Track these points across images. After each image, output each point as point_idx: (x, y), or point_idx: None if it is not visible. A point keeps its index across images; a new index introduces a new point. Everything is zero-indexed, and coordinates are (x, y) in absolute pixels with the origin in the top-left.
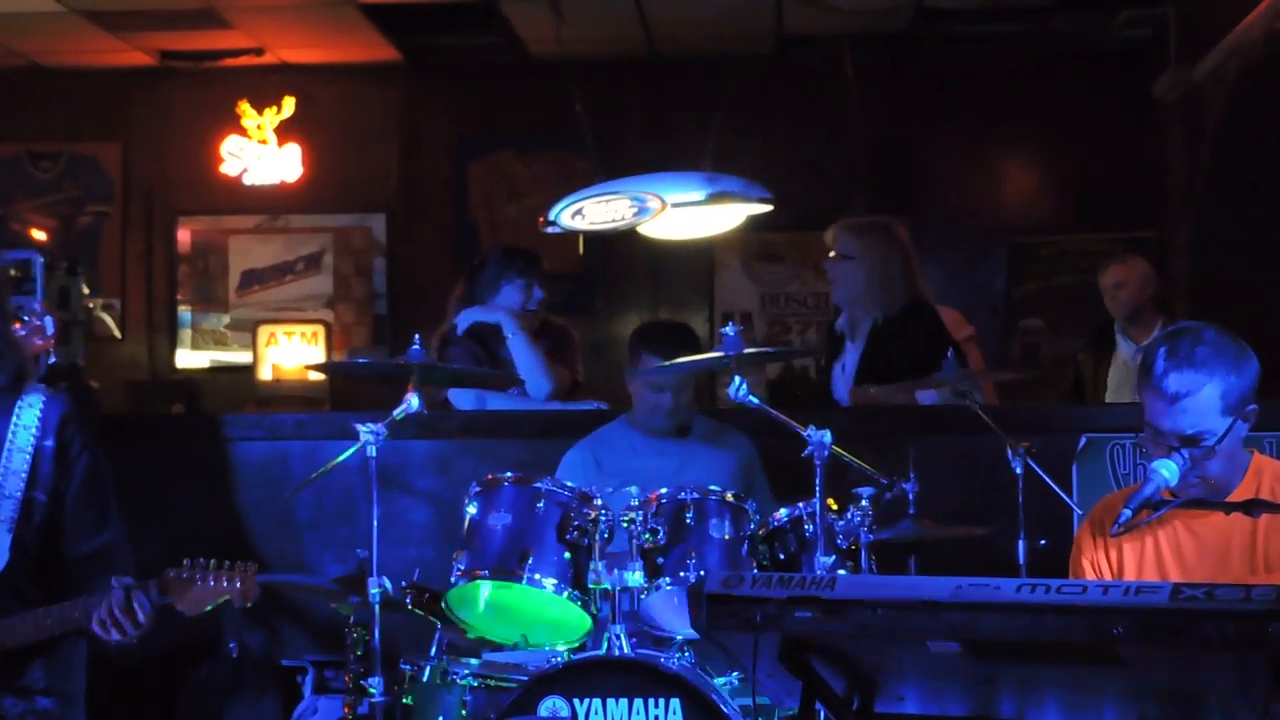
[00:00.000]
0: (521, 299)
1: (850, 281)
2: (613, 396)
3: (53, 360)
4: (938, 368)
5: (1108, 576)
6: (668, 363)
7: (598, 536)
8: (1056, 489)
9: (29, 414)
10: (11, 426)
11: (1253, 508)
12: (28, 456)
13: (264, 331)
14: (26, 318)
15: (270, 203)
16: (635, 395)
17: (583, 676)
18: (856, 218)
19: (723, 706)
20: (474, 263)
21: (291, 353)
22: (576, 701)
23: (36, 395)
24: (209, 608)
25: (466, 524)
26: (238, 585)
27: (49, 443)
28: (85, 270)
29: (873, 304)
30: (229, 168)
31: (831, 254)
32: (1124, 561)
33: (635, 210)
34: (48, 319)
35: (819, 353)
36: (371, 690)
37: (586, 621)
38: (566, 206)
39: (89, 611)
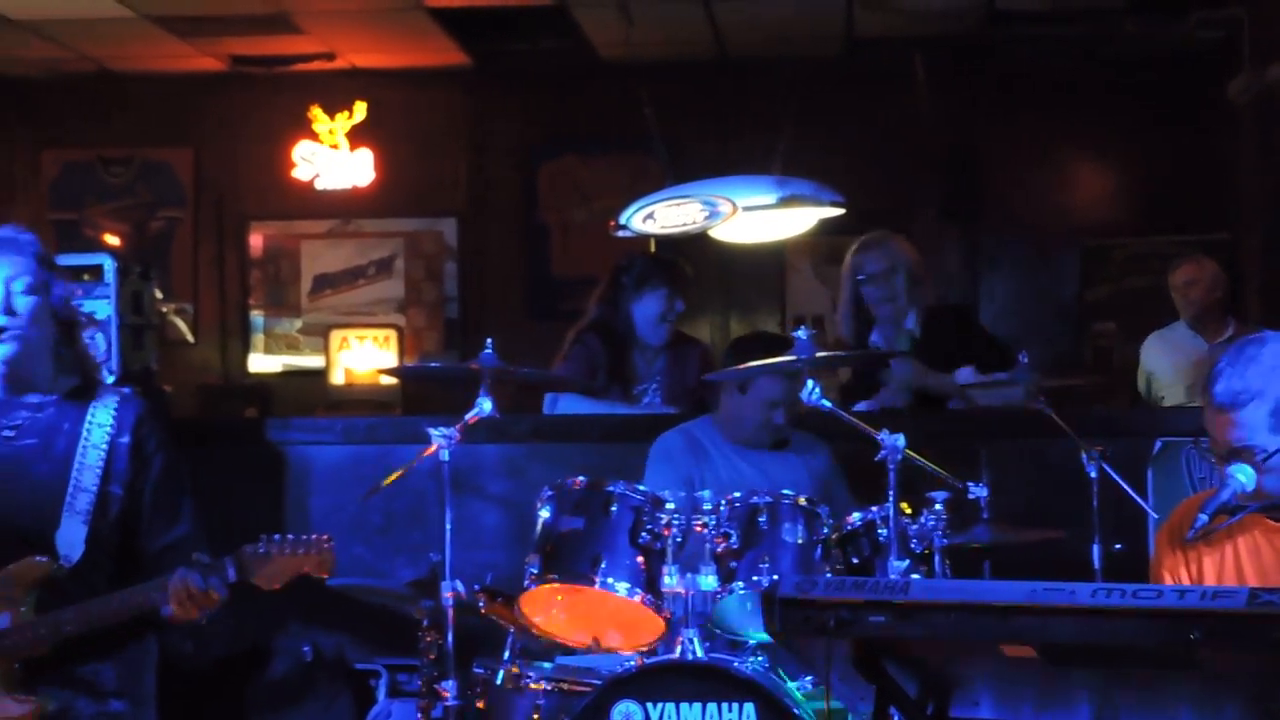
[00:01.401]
0: (661, 309)
1: (894, 293)
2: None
3: (111, 378)
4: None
5: (1186, 584)
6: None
7: (670, 540)
8: (1131, 493)
9: (104, 413)
10: (86, 425)
11: None
12: (103, 452)
13: (336, 336)
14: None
15: (342, 207)
16: (736, 407)
17: (656, 680)
18: (868, 236)
19: (796, 711)
20: (620, 264)
21: (363, 357)
22: (649, 705)
23: (111, 396)
24: (283, 583)
25: (539, 528)
26: (315, 555)
27: (124, 439)
28: (158, 275)
29: (914, 306)
30: (301, 172)
31: (864, 276)
32: (1203, 568)
33: (706, 214)
34: (98, 336)
35: (892, 356)
36: (445, 694)
37: (659, 625)
38: (637, 210)
39: (164, 591)
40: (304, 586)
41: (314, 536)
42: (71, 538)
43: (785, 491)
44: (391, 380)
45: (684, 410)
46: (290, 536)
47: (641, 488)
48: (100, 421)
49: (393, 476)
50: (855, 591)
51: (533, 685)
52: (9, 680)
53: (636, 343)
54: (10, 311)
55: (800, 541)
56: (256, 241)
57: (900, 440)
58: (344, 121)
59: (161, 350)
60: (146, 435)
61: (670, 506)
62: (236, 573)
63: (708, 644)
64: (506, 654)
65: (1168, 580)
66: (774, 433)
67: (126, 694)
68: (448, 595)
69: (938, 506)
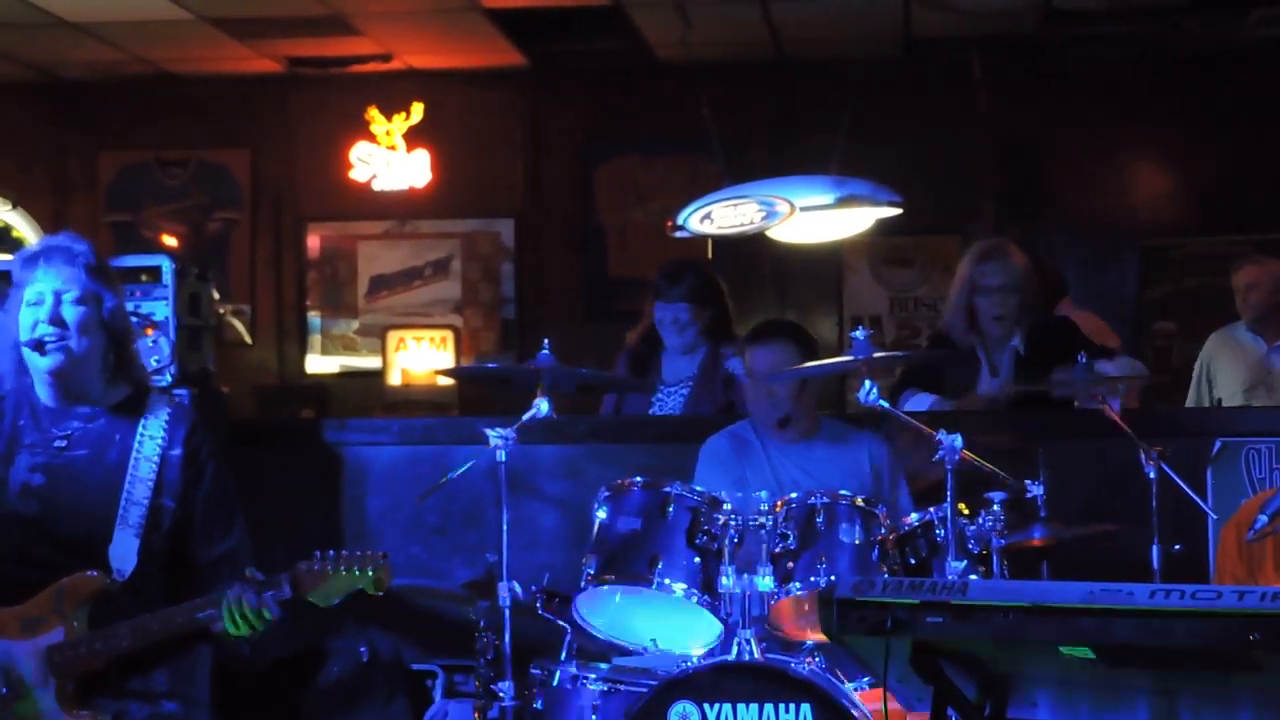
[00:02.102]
0: (671, 316)
1: (1007, 311)
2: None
3: (168, 382)
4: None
5: (1248, 584)
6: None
7: (727, 541)
8: (1191, 494)
9: (154, 425)
10: (138, 437)
11: None
12: (154, 465)
13: (393, 336)
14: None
15: (399, 208)
16: (750, 395)
17: (712, 681)
18: (992, 243)
19: (853, 711)
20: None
21: (420, 357)
22: (706, 706)
23: (162, 407)
24: (339, 600)
25: (596, 528)
26: (370, 574)
27: (176, 451)
28: (215, 276)
29: (1023, 319)
30: (358, 174)
31: (994, 284)
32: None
33: (764, 214)
34: (161, 340)
35: (949, 358)
36: (501, 694)
37: (716, 626)
38: (695, 211)
39: (219, 607)
40: None
41: (369, 553)
42: (124, 551)
43: (843, 492)
44: (448, 381)
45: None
46: (345, 553)
47: (699, 488)
48: (152, 433)
49: (449, 477)
50: (913, 592)
51: (589, 686)
52: (64, 697)
53: (665, 347)
54: (58, 322)
55: (857, 542)
56: (313, 242)
57: (958, 440)
58: (401, 122)
59: (219, 351)
60: (198, 446)
61: (727, 507)
62: (292, 590)
63: (764, 644)
64: (563, 655)
65: (1228, 578)
66: (778, 408)
67: (179, 696)
68: (504, 596)
69: (995, 507)
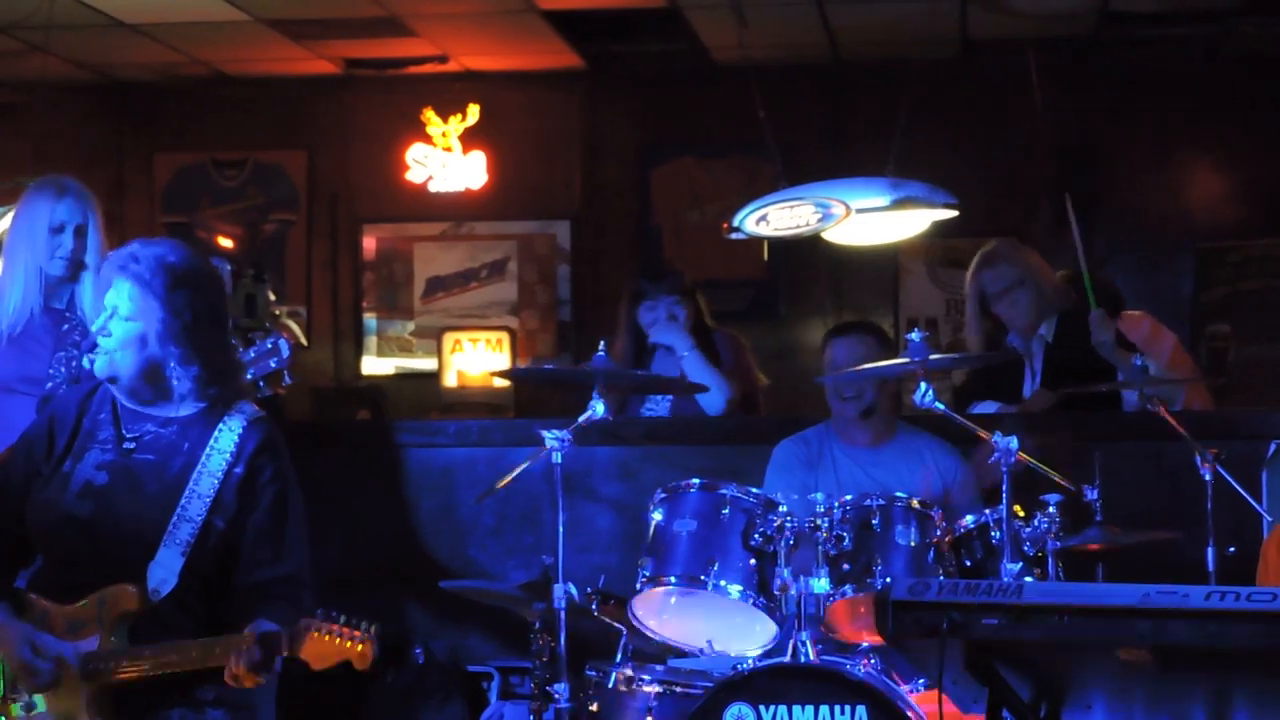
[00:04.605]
0: (646, 319)
1: (1020, 309)
2: (794, 404)
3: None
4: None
5: None
6: (852, 369)
7: (783, 543)
8: (1246, 496)
9: (226, 438)
10: (208, 449)
11: None
12: (216, 482)
13: (449, 338)
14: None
15: (455, 210)
16: (828, 398)
17: (768, 683)
18: (989, 249)
19: (908, 713)
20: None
21: (476, 359)
22: (762, 708)
23: (238, 419)
24: (326, 666)
25: (651, 530)
26: (358, 649)
27: (239, 470)
28: (271, 278)
29: (1046, 314)
30: (414, 175)
31: (1000, 289)
32: None
33: (819, 216)
34: (282, 342)
35: (1007, 358)
36: (557, 696)
37: (772, 628)
38: (751, 212)
39: (229, 655)
40: (418, 587)
41: (363, 626)
42: (165, 571)
43: (899, 494)
44: (504, 383)
45: (795, 415)
46: (343, 619)
47: (754, 490)
48: (222, 447)
49: (505, 479)
50: (968, 594)
51: (645, 688)
52: (94, 704)
53: (650, 351)
54: (105, 334)
55: (913, 544)
56: (369, 244)
57: (1013, 442)
58: (457, 124)
59: None
60: (262, 466)
61: (782, 509)
62: (290, 648)
63: (820, 646)
64: (619, 656)
65: (1275, 580)
66: (853, 414)
67: (226, 703)
68: (560, 598)
69: (1051, 509)
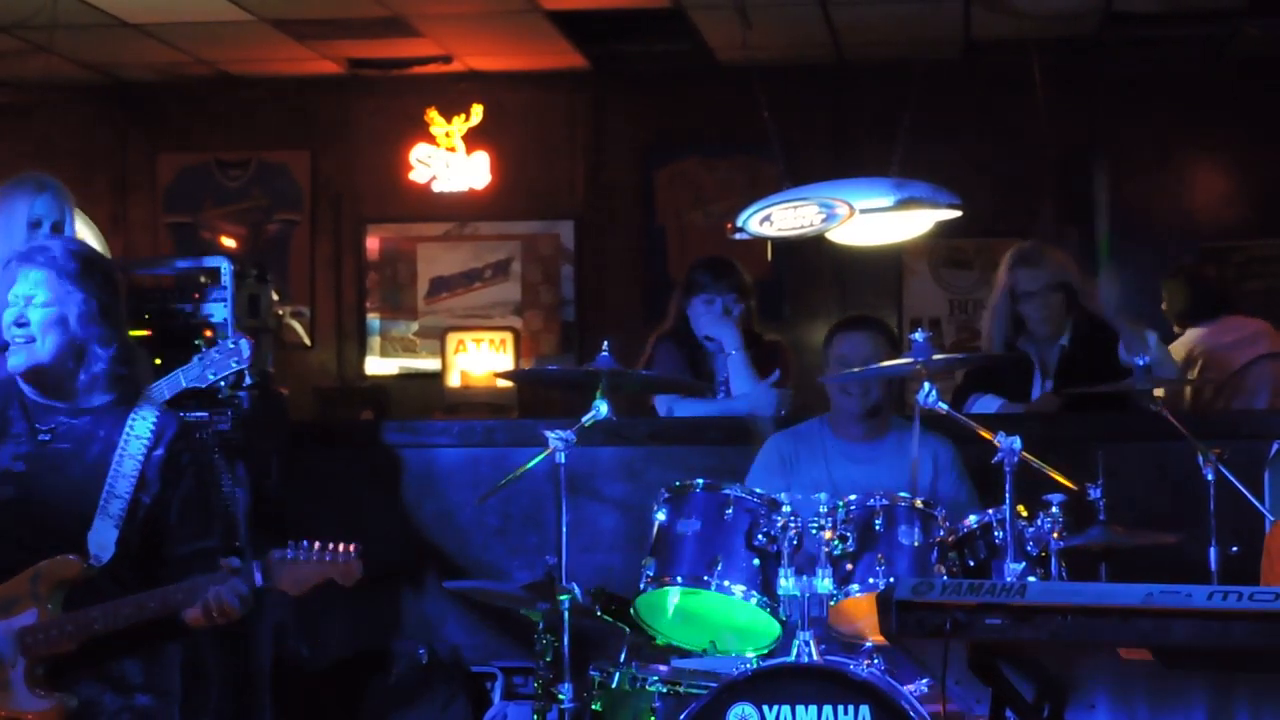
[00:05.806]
0: (707, 311)
1: (1051, 313)
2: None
3: (248, 381)
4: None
5: None
6: (855, 369)
7: (786, 543)
8: (1249, 496)
9: (142, 425)
10: (124, 435)
11: None
12: (138, 463)
13: (452, 338)
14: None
15: (458, 210)
16: (830, 396)
17: (771, 683)
18: (1027, 247)
19: (912, 713)
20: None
21: (480, 360)
22: (765, 708)
23: (150, 409)
24: (305, 590)
25: (655, 530)
26: (340, 564)
27: (159, 452)
28: (274, 278)
29: (1071, 312)
30: (417, 175)
31: (1034, 289)
32: None
33: (824, 216)
34: (243, 343)
35: (1010, 359)
36: (560, 696)
37: (775, 628)
38: (755, 213)
39: (192, 594)
40: (421, 588)
41: (343, 546)
42: (103, 539)
43: (902, 494)
44: (508, 383)
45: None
46: (319, 544)
47: (758, 491)
48: (139, 434)
49: (508, 479)
50: (972, 594)
51: (648, 688)
52: (32, 678)
53: (701, 344)
54: (23, 324)
55: (916, 544)
56: (373, 244)
57: (1017, 442)
58: (461, 124)
59: (278, 353)
60: (179, 451)
61: (786, 509)
62: (263, 578)
63: (823, 646)
64: (623, 656)
65: (1277, 580)
66: (858, 411)
67: (153, 689)
68: (564, 598)
69: (1054, 509)
